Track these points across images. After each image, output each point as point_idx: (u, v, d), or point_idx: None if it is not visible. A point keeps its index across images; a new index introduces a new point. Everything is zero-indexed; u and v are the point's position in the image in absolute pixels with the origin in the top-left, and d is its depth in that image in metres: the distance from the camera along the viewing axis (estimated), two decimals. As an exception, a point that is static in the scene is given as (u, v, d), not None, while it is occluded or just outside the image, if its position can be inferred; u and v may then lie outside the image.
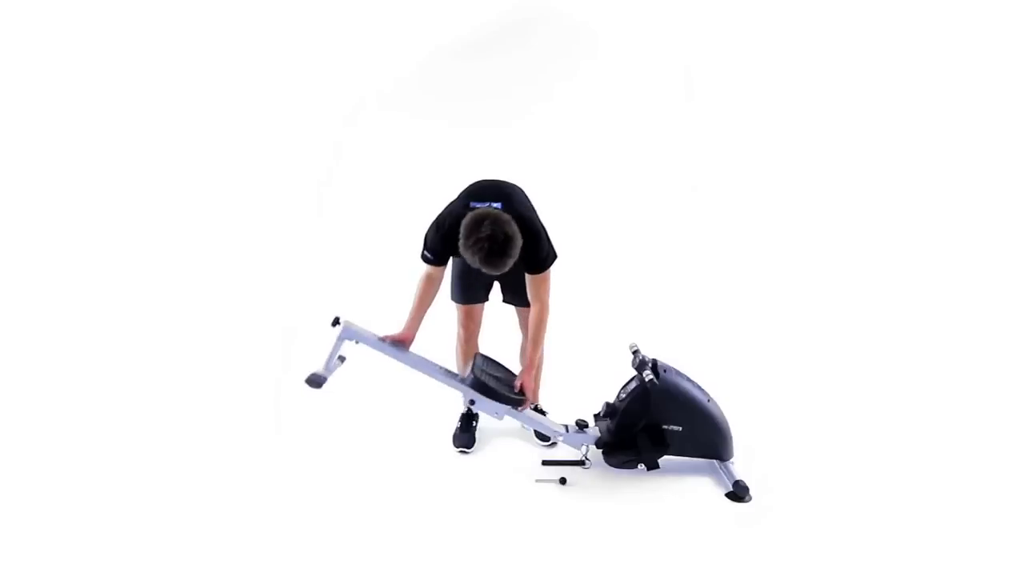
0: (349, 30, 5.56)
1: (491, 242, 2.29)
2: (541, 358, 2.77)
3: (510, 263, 2.36)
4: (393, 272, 4.55)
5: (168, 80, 5.31)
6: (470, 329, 2.85)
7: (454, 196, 2.63)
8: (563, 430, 2.73)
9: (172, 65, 5.33)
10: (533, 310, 2.62)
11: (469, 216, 2.35)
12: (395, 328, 2.64)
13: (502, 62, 5.64)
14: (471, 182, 2.70)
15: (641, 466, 2.62)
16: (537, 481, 2.62)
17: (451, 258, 2.76)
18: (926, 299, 4.22)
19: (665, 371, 2.64)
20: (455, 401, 2.97)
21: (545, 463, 2.70)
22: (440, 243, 2.52)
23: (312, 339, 3.76)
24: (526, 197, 2.67)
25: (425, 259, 2.59)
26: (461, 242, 2.35)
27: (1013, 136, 4.92)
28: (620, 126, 5.48)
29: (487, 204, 2.45)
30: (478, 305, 2.83)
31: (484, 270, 2.38)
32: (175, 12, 5.37)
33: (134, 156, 5.10)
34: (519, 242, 2.36)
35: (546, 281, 2.58)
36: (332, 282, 4.49)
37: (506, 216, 2.36)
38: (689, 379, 2.69)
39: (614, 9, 5.72)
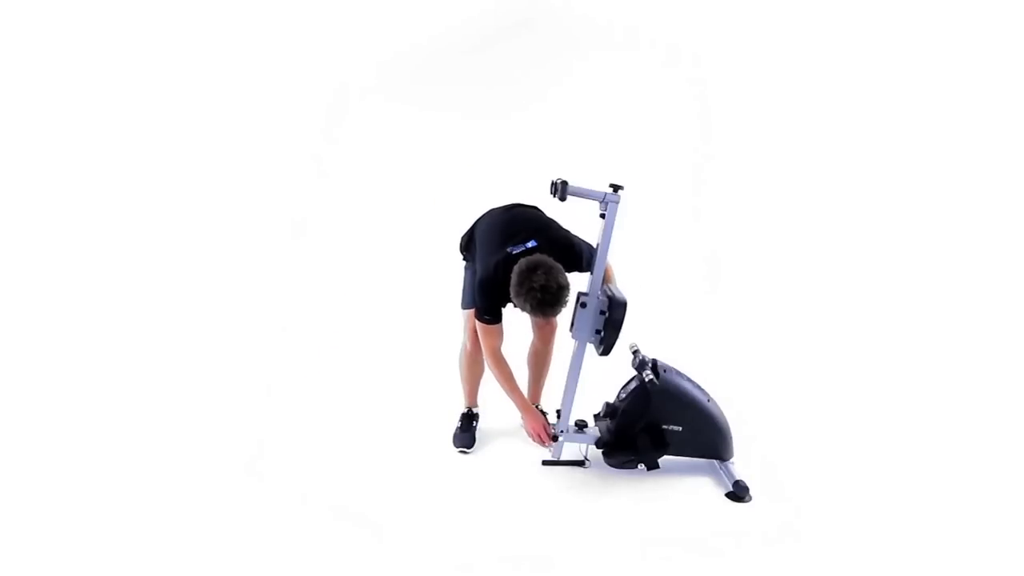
0: (349, 24, 5.51)
1: (544, 292, 2.32)
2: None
3: (560, 311, 2.41)
4: (389, 271, 4.61)
5: (175, 81, 5.29)
6: (477, 343, 2.76)
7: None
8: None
9: (182, 68, 5.30)
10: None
11: (523, 263, 2.37)
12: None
13: (503, 53, 5.56)
14: (487, 210, 2.72)
15: (641, 466, 2.62)
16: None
17: (464, 266, 2.79)
18: (924, 300, 4.22)
19: (665, 371, 2.64)
20: (455, 401, 2.97)
21: (545, 463, 2.71)
22: (495, 299, 2.52)
23: (303, 336, 3.82)
24: (547, 216, 2.70)
25: (486, 321, 2.58)
26: (513, 289, 2.37)
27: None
28: (619, 123, 5.45)
29: (523, 246, 2.48)
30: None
31: (532, 315, 2.45)
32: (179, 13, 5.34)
33: (124, 153, 5.05)
34: (570, 290, 2.40)
35: None
36: (329, 282, 4.50)
37: (558, 266, 2.38)
38: (689, 379, 2.69)
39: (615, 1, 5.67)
